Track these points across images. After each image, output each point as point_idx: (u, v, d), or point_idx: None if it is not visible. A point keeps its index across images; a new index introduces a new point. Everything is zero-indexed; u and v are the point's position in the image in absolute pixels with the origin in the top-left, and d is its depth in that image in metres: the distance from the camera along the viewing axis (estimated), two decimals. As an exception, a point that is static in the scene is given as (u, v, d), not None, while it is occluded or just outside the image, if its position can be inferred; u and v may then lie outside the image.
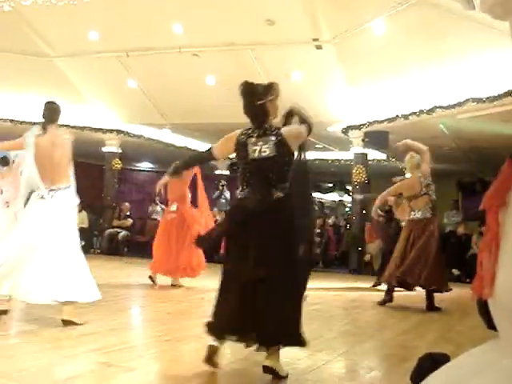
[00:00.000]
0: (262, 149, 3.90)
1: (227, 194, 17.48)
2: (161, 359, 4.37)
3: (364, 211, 14.24)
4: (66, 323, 5.06)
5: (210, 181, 20.27)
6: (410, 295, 9.31)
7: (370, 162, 14.57)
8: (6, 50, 12.77)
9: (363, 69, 11.58)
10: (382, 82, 11.65)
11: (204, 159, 4.50)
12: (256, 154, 3.91)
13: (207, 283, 9.75)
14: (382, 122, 12.52)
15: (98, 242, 16.38)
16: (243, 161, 3.99)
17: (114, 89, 14.03)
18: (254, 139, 3.96)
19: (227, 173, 19.31)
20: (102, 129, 15.39)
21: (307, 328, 5.80)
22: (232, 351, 4.42)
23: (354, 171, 13.91)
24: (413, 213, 8.23)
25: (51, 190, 5.46)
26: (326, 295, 9.01)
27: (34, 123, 14.51)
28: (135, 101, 14.09)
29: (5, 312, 5.44)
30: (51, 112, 5.82)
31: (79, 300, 5.30)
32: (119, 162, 16.18)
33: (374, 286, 10.60)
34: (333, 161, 17.61)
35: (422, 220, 8.13)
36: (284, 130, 3.99)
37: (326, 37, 11.13)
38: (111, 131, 15.54)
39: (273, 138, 3.92)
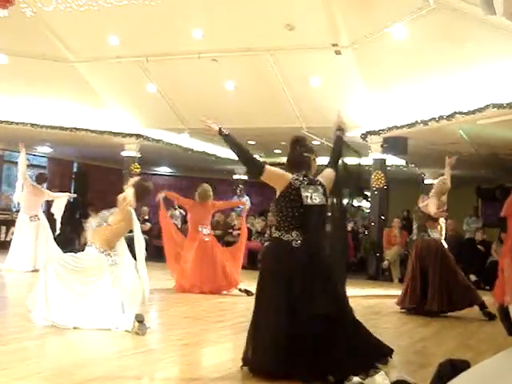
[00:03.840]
0: (313, 196, 4.23)
1: (244, 199, 17.46)
2: (179, 363, 4.37)
3: (382, 217, 14.18)
4: None
5: (227, 185, 20.35)
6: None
7: (388, 168, 14.50)
8: (27, 55, 12.88)
9: (382, 74, 11.53)
10: (402, 87, 11.59)
11: (254, 168, 4.48)
12: (309, 201, 4.21)
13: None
14: (401, 127, 12.44)
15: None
16: (294, 204, 4.21)
17: (133, 93, 14.10)
18: (305, 186, 4.27)
19: (245, 177, 19.33)
20: (121, 133, 15.45)
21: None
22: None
23: (372, 177, 13.85)
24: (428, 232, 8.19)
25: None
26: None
27: (54, 127, 14.67)
28: (154, 105, 14.14)
29: None
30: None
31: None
32: (138, 166, 16.23)
33: None
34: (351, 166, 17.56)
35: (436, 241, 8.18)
36: (323, 180, 4.39)
37: (345, 42, 11.10)
38: (130, 135, 15.60)
39: (320, 188, 4.31)
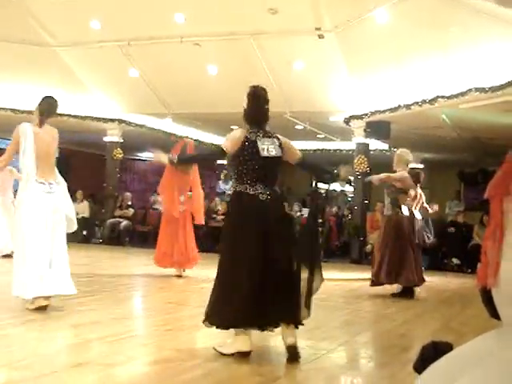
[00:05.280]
0: (269, 148, 4.29)
1: (228, 185, 17.43)
2: (164, 348, 4.37)
3: (366, 201, 14.23)
4: None
5: (212, 170, 20.29)
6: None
7: (371, 152, 14.54)
8: (7, 40, 12.72)
9: (365, 58, 11.53)
10: (384, 71, 11.60)
11: (218, 157, 4.68)
12: (265, 153, 4.26)
13: (206, 273, 9.77)
14: (384, 111, 12.47)
15: (99, 231, 16.38)
16: (252, 157, 4.25)
17: (115, 78, 13.99)
18: (261, 139, 4.32)
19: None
20: (103, 118, 15.34)
21: (310, 317, 5.80)
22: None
23: (355, 161, 13.88)
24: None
25: (51, 184, 5.55)
26: (327, 285, 8.95)
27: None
28: (137, 90, 14.05)
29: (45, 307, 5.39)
30: (51, 107, 5.80)
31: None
32: (121, 151, 16.14)
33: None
34: (334, 151, 17.60)
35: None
36: (281, 137, 4.45)
37: (328, 26, 11.07)
38: (112, 121, 15.50)
39: (276, 141, 4.37)
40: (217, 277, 4.23)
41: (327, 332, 5.35)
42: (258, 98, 4.50)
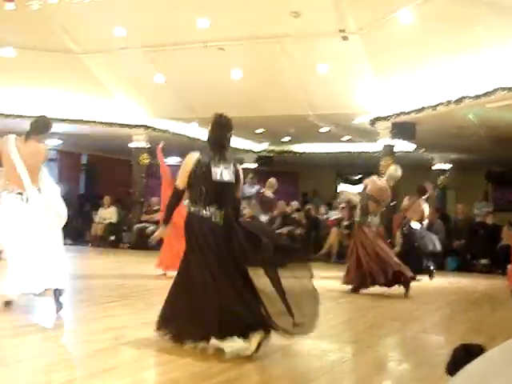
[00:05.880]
0: (223, 173, 4.48)
1: (254, 188, 17.35)
2: (192, 352, 4.40)
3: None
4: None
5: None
6: (439, 287, 9.27)
7: (397, 154, 14.45)
8: (33, 48, 12.86)
9: (390, 59, 11.47)
10: (410, 72, 11.52)
11: (179, 199, 4.82)
12: (218, 177, 4.45)
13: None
14: (410, 113, 12.38)
15: (127, 236, 16.50)
16: (204, 180, 4.44)
17: (140, 84, 14.08)
18: (216, 163, 4.49)
19: (254, 166, 19.30)
20: (129, 124, 15.45)
21: (337, 320, 5.83)
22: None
23: (381, 163, 13.80)
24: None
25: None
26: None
27: (63, 120, 14.70)
28: (162, 96, 14.13)
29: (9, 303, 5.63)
30: (38, 125, 6.08)
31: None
32: (147, 157, 16.24)
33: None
34: (359, 153, 17.52)
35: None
36: (238, 166, 4.66)
37: (353, 28, 11.03)
38: (138, 126, 15.61)
39: (232, 167, 4.56)
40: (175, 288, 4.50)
41: (355, 335, 5.34)
42: (222, 127, 4.64)
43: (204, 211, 4.42)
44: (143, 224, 15.93)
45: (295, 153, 18.58)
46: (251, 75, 12.56)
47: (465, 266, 12.69)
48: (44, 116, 6.31)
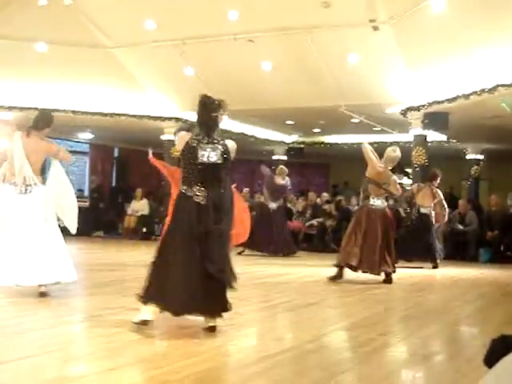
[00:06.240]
0: (210, 155, 4.57)
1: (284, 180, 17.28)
2: (225, 343, 4.42)
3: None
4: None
5: (267, 166, 20.30)
6: (472, 279, 9.18)
7: (429, 144, 14.30)
8: (66, 43, 13.03)
9: (422, 48, 11.34)
10: (442, 61, 11.37)
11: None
12: (205, 159, 4.56)
13: (266, 269, 9.86)
14: (442, 102, 12.23)
15: (158, 228, 16.63)
16: (191, 162, 4.59)
17: (171, 77, 14.14)
18: (203, 145, 4.59)
19: (284, 158, 19.28)
20: (160, 117, 15.55)
21: (369, 312, 5.82)
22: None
23: (413, 153, 13.68)
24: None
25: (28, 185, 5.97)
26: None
27: (94, 113, 14.85)
28: (192, 88, 14.11)
29: None
30: (38, 120, 6.22)
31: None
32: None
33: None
34: (391, 143, 17.36)
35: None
36: (228, 143, 4.77)
37: (383, 17, 10.93)
38: (169, 119, 15.68)
39: (220, 147, 4.63)
40: (154, 261, 4.62)
41: (389, 326, 5.32)
42: (206, 108, 4.78)
43: (190, 191, 4.57)
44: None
45: (326, 144, 18.51)
46: (281, 67, 12.53)
47: (498, 258, 12.53)
48: (46, 111, 6.59)
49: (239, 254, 11.75)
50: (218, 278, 4.48)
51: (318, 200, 15.62)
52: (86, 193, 18.84)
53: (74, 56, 13.30)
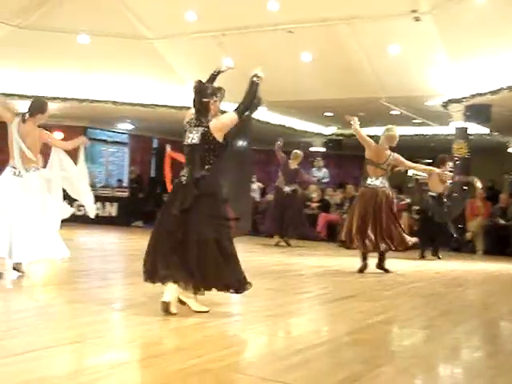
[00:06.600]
0: (193, 137, 4.82)
1: (322, 172, 17.21)
2: (262, 334, 4.44)
3: (465, 187, 13.80)
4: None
5: (305, 157, 20.24)
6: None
7: (471, 137, 14.09)
8: (105, 34, 13.17)
9: (464, 39, 11.16)
10: (485, 52, 11.17)
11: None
12: (189, 141, 4.85)
13: (303, 260, 9.86)
14: (485, 94, 12.02)
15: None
16: (184, 145, 4.94)
17: (210, 68, 14.08)
18: (191, 128, 4.87)
19: (323, 149, 19.20)
20: (199, 108, 15.65)
21: (409, 305, 5.79)
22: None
23: (454, 146, 13.49)
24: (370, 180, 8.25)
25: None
26: (426, 273, 8.85)
27: (134, 105, 15.01)
28: (231, 79, 14.06)
29: None
30: (31, 107, 6.49)
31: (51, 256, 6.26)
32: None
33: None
34: (432, 136, 17.15)
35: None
36: (211, 123, 4.85)
37: (425, 8, 10.78)
38: (208, 110, 15.79)
39: (201, 130, 4.81)
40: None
41: (428, 320, 5.26)
42: (195, 93, 4.98)
43: (181, 172, 4.91)
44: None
45: (365, 136, 18.34)
46: (321, 58, 12.47)
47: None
48: (39, 97, 7.00)
49: (275, 245, 11.84)
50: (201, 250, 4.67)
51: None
52: (126, 183, 19.06)
53: (115, 48, 13.44)
